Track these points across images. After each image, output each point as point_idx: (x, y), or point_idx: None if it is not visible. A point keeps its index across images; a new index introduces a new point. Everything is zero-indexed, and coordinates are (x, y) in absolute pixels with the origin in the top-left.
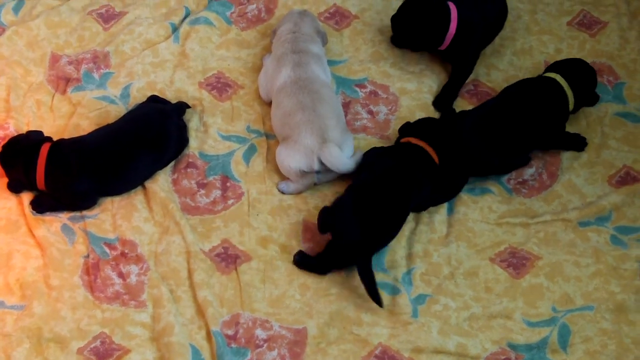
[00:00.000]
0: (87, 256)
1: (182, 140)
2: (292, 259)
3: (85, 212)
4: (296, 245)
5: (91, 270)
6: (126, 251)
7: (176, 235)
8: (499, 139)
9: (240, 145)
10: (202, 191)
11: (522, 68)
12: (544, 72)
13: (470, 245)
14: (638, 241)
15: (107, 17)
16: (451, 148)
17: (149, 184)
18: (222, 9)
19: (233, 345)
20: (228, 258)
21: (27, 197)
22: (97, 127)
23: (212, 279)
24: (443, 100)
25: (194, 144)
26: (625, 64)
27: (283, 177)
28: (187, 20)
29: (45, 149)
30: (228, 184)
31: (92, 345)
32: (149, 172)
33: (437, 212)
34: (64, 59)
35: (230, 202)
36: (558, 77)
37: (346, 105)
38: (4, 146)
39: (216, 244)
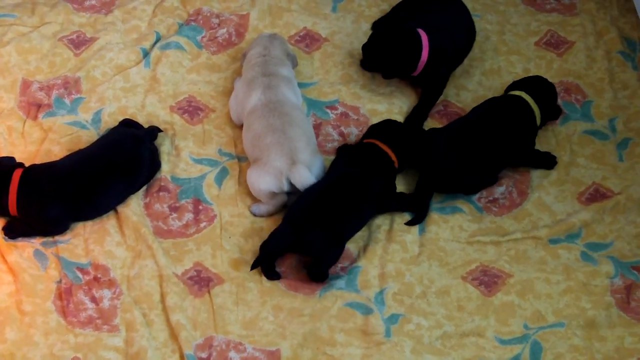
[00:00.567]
0: (60, 281)
1: (154, 165)
2: (264, 280)
3: (57, 237)
4: None
5: (64, 295)
6: (99, 276)
7: (149, 259)
8: (472, 157)
9: (212, 168)
10: (175, 215)
11: (491, 88)
12: (506, 91)
13: (442, 264)
14: (608, 257)
15: (78, 43)
16: (423, 166)
17: (121, 208)
18: (192, 33)
19: None
20: (201, 281)
21: None
22: (68, 152)
23: (185, 302)
24: (413, 121)
25: (166, 167)
26: (592, 83)
27: (255, 200)
28: (158, 45)
29: (17, 175)
30: (200, 207)
31: None
32: (122, 196)
33: (409, 231)
34: (35, 84)
35: (202, 225)
36: (523, 94)
37: (317, 127)
38: None
39: (189, 267)
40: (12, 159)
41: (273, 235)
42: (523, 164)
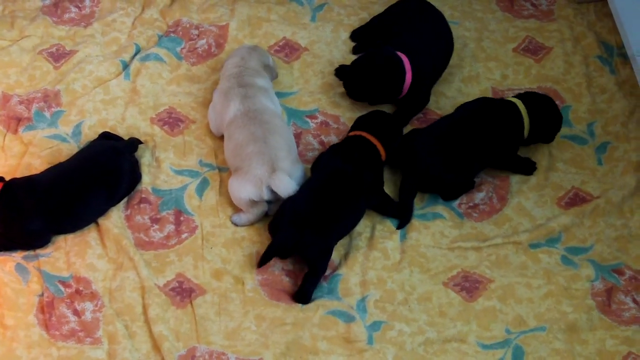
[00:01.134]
0: (42, 295)
1: (134, 177)
2: (246, 290)
3: (39, 251)
4: (250, 277)
5: (46, 309)
6: (80, 288)
7: (130, 270)
8: (456, 158)
9: (192, 179)
10: (156, 226)
11: (469, 95)
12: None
13: (423, 270)
14: (588, 261)
15: (58, 56)
16: (407, 165)
17: (102, 220)
18: (172, 44)
19: None
20: (183, 292)
21: None
22: (49, 166)
23: (167, 314)
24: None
25: (146, 179)
26: (570, 88)
27: (236, 210)
28: (138, 56)
29: None
30: (182, 218)
31: None
32: (102, 209)
33: (390, 238)
34: (14, 98)
35: (184, 236)
36: (519, 103)
37: (297, 136)
38: None
39: (170, 278)
40: None
41: (278, 237)
42: (502, 168)
